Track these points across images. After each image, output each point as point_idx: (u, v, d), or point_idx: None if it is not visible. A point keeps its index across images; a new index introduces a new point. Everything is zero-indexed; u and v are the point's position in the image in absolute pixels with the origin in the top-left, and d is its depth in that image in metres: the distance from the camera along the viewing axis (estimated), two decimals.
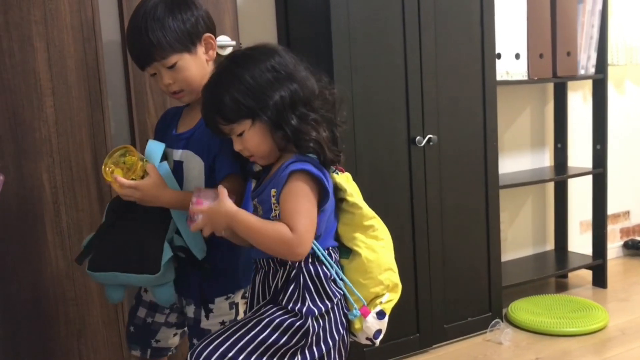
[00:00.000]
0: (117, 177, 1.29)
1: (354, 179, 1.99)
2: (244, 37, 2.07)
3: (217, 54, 1.46)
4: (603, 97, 2.75)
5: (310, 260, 1.21)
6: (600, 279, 2.84)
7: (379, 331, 1.26)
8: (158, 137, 1.49)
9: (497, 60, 2.39)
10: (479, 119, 2.32)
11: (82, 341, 1.83)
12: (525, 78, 2.54)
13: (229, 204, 1.18)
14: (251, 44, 2.03)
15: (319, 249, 1.20)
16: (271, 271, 1.25)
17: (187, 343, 1.51)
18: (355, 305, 1.24)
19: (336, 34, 1.95)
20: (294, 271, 1.21)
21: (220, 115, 1.20)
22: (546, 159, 2.97)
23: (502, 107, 2.57)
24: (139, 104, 1.86)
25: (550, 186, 2.97)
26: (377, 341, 1.27)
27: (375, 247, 1.24)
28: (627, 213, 3.30)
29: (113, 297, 1.44)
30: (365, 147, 2.04)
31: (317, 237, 1.20)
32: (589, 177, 2.83)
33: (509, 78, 2.49)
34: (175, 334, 1.57)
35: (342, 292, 1.23)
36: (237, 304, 1.44)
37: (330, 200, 1.21)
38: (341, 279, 1.23)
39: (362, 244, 1.24)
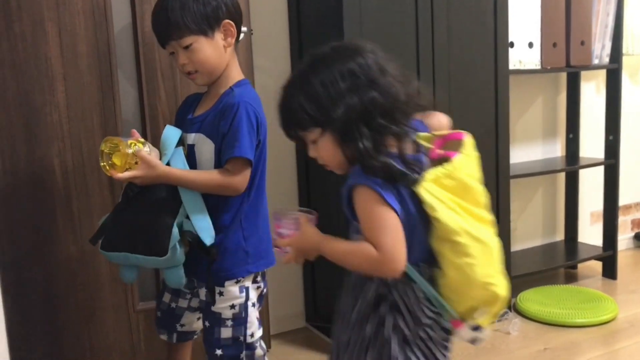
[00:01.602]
0: (114, 175, 1.33)
1: None
2: (255, 23, 2.06)
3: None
4: (617, 87, 2.71)
5: (401, 278, 1.14)
6: (610, 271, 2.82)
7: (476, 338, 1.19)
8: (178, 122, 1.52)
9: (509, 49, 2.36)
10: (491, 108, 2.30)
11: (92, 325, 1.85)
12: (538, 67, 2.51)
13: (311, 233, 1.16)
14: (262, 29, 2.02)
15: (410, 269, 1.13)
16: (366, 280, 1.19)
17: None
18: (446, 317, 1.16)
19: (347, 21, 1.93)
20: (384, 288, 1.16)
21: (289, 121, 1.15)
22: (558, 149, 2.95)
23: (514, 97, 2.54)
24: (149, 89, 1.86)
25: (561, 176, 2.95)
26: (477, 344, 1.20)
27: (463, 265, 1.11)
28: (639, 204, 3.28)
29: (127, 276, 1.46)
30: None
31: None
32: (601, 168, 2.81)
33: (522, 67, 2.47)
34: (198, 318, 1.60)
35: (435, 312, 1.15)
36: (247, 288, 1.46)
37: (406, 214, 1.10)
38: (433, 296, 1.15)
39: (448, 262, 1.13)
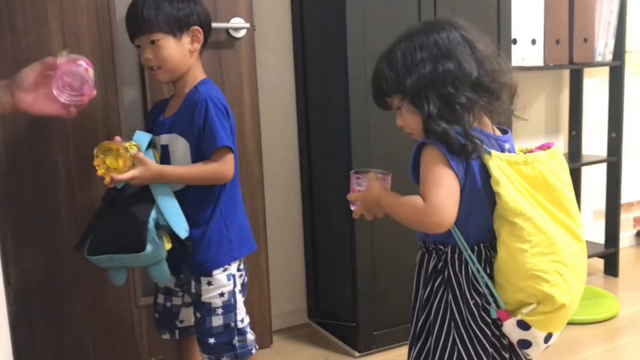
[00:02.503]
0: (115, 177, 1.37)
1: (368, 163, 1.98)
2: (257, 18, 2.06)
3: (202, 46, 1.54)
4: (620, 84, 2.71)
5: (457, 254, 1.18)
6: (612, 268, 2.83)
7: (524, 342, 1.15)
8: (148, 128, 1.59)
9: (512, 45, 2.36)
10: None
11: (94, 320, 1.85)
12: (541, 64, 2.51)
13: (376, 188, 1.20)
14: (265, 25, 2.04)
15: (462, 243, 1.15)
16: (425, 255, 1.25)
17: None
18: (493, 306, 1.15)
19: (350, 16, 1.93)
20: (441, 263, 1.20)
21: (375, 88, 1.23)
22: (560, 146, 2.95)
23: (517, 93, 2.54)
24: (152, 85, 1.86)
25: None
26: (527, 351, 1.17)
27: (514, 249, 1.10)
28: None
29: (116, 279, 1.49)
30: (379, 132, 2.03)
31: (458, 226, 1.13)
32: (603, 165, 2.81)
33: (525, 64, 2.46)
34: None
35: (481, 291, 1.16)
36: (234, 276, 1.52)
37: (470, 185, 1.12)
38: (482, 278, 1.15)
39: (502, 242, 1.12)
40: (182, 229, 1.42)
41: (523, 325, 1.13)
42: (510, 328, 1.14)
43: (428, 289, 1.22)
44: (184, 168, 1.46)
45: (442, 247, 1.20)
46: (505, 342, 1.19)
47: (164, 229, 1.42)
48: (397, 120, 1.23)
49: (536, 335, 1.13)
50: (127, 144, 1.41)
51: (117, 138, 1.46)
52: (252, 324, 1.59)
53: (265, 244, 2.09)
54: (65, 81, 1.30)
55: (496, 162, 1.11)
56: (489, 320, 1.16)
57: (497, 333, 1.18)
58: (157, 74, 1.50)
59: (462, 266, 1.17)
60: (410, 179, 1.20)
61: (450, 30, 1.16)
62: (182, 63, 1.48)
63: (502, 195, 1.10)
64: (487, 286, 1.15)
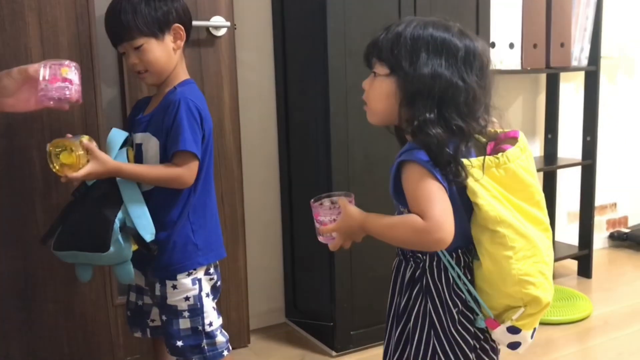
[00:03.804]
0: (69, 175, 1.35)
1: (346, 167, 1.99)
2: (238, 17, 2.06)
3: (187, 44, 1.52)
4: (595, 89, 2.75)
5: (435, 262, 1.15)
6: (585, 269, 2.87)
7: (515, 343, 1.15)
8: (128, 125, 1.58)
9: (491, 49, 2.39)
10: None
11: (70, 319, 1.83)
12: (519, 68, 2.54)
13: (355, 214, 1.13)
14: (245, 24, 2.04)
15: (442, 251, 1.12)
16: (403, 263, 1.22)
17: None
18: (481, 314, 1.14)
19: (331, 16, 1.94)
20: (419, 271, 1.17)
21: (378, 43, 1.13)
22: (536, 149, 2.99)
23: (495, 96, 2.57)
24: (131, 82, 1.85)
25: (539, 176, 2.99)
26: (518, 350, 1.16)
27: (499, 257, 1.08)
28: (614, 205, 3.33)
29: (82, 275, 1.48)
30: (359, 134, 2.04)
31: None
32: (578, 168, 2.85)
33: (503, 67, 2.49)
34: None
35: (463, 298, 1.14)
36: (200, 280, 1.50)
37: (451, 196, 1.08)
38: (464, 284, 1.13)
39: (485, 251, 1.10)
40: (147, 232, 1.40)
41: (513, 330, 1.13)
42: (500, 335, 1.14)
43: (405, 298, 1.20)
44: (144, 168, 1.43)
45: (420, 254, 1.17)
46: (487, 346, 1.19)
47: (131, 230, 1.40)
48: (364, 82, 1.17)
49: (525, 335, 1.14)
50: (80, 138, 1.37)
51: (69, 135, 1.41)
52: (229, 323, 1.59)
53: (244, 242, 2.09)
54: (48, 97, 1.32)
55: (469, 171, 1.09)
56: (470, 327, 1.16)
57: (480, 337, 1.17)
58: (145, 77, 1.48)
59: (441, 274, 1.15)
60: (391, 197, 1.15)
61: (476, 45, 1.11)
62: (168, 63, 1.47)
63: (480, 205, 1.08)
64: (469, 292, 1.14)
